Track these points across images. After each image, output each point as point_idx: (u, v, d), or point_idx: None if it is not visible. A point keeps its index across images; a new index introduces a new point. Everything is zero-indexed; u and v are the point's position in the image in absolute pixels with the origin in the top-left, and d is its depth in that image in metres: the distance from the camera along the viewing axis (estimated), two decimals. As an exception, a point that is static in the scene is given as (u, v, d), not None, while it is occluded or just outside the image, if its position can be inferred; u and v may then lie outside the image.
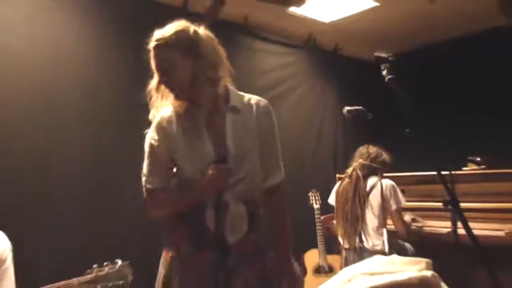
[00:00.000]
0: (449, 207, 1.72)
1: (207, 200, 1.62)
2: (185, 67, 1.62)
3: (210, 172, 1.57)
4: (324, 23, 4.59)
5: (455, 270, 2.68)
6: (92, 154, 3.20)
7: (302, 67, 5.01)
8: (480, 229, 3.12)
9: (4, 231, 1.91)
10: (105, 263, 1.80)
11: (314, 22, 4.54)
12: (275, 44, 4.67)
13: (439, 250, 2.79)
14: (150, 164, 1.71)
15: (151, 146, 1.70)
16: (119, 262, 1.81)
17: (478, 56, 4.63)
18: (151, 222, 3.31)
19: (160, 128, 1.70)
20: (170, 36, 1.62)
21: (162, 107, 1.72)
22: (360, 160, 3.52)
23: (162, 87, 1.69)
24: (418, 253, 3.35)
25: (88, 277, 1.72)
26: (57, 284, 1.70)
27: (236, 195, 1.63)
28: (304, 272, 3.99)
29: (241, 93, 1.77)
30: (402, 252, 3.26)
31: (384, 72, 1.78)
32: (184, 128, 1.68)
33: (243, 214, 1.64)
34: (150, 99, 1.73)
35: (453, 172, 2.07)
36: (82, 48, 3.25)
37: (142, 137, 1.75)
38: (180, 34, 1.63)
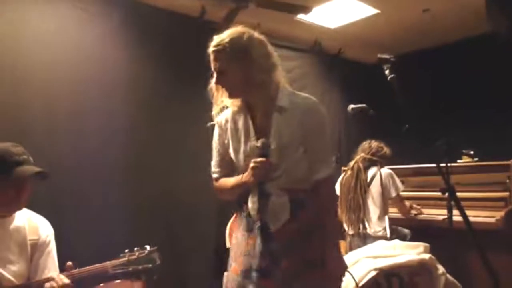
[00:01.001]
0: (446, 194, 1.72)
1: (250, 189, 1.66)
2: (237, 71, 1.65)
3: (252, 165, 1.60)
4: (329, 29, 4.60)
5: (449, 253, 2.70)
6: (130, 145, 3.26)
7: (308, 69, 5.01)
8: (473, 216, 3.12)
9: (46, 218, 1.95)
10: (135, 248, 1.82)
11: (320, 28, 4.55)
12: (284, 49, 4.68)
13: (435, 235, 2.81)
14: (216, 156, 1.82)
15: (214, 141, 1.83)
16: (148, 247, 1.83)
17: (469, 59, 4.62)
18: (178, 212, 3.42)
19: (219, 126, 1.81)
20: (225, 41, 1.64)
21: (221, 103, 1.78)
22: (362, 154, 3.54)
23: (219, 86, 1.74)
24: (416, 238, 3.37)
25: (121, 260, 1.75)
26: (93, 266, 1.73)
27: (278, 186, 1.64)
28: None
29: (292, 91, 1.76)
30: (402, 237, 3.28)
31: (387, 72, 1.81)
32: (236, 126, 1.75)
33: (285, 204, 1.63)
34: (212, 96, 1.78)
35: (449, 164, 2.08)
36: (112, 51, 3.30)
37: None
38: (234, 40, 1.65)
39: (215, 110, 1.79)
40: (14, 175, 1.69)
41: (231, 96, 1.73)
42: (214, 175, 1.82)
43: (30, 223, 1.84)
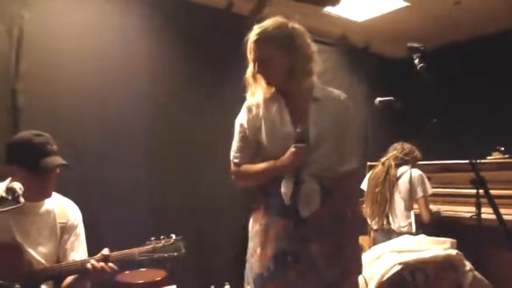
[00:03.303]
0: (475, 191, 1.66)
1: (284, 175, 1.65)
2: (282, 59, 1.67)
3: (292, 149, 1.61)
4: (356, 22, 4.51)
5: (477, 250, 2.62)
6: (156, 134, 3.30)
7: (334, 63, 4.94)
8: (503, 214, 3.01)
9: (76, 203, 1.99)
10: (161, 237, 1.82)
11: (347, 21, 4.47)
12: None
13: (462, 232, 2.73)
14: (239, 141, 1.78)
15: (241, 125, 1.78)
16: (173, 236, 1.83)
17: (501, 52, 4.47)
18: (204, 203, 3.43)
19: (249, 111, 1.77)
20: (270, 31, 1.67)
21: (257, 93, 1.78)
22: (394, 152, 3.54)
23: (257, 75, 1.74)
24: (442, 236, 3.30)
25: (147, 247, 1.75)
26: (121, 251, 1.74)
27: (311, 173, 1.65)
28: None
29: (323, 86, 1.81)
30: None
31: (416, 61, 1.76)
32: (270, 112, 1.73)
33: (316, 192, 1.64)
34: (248, 86, 1.79)
35: (477, 160, 2.01)
36: (137, 44, 3.32)
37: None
38: (279, 28, 1.68)
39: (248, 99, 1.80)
40: (39, 167, 1.70)
41: (270, 84, 1.74)
42: (236, 160, 1.78)
43: (59, 206, 1.87)
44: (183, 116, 3.43)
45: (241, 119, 1.79)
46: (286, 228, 1.64)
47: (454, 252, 2.35)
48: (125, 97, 3.16)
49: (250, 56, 1.73)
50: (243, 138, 1.77)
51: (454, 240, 2.44)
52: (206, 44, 3.54)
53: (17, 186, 1.51)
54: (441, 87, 1.79)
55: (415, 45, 1.76)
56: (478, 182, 1.61)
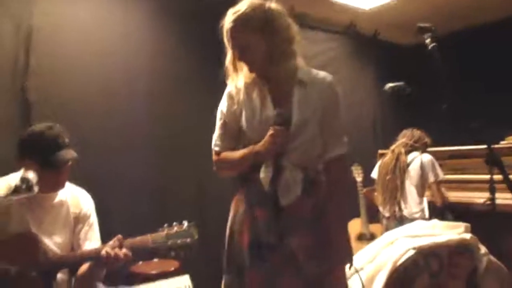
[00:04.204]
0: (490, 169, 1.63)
1: (264, 162, 1.58)
2: (261, 44, 1.59)
3: (270, 132, 1.54)
4: (364, 10, 4.46)
5: (490, 236, 2.59)
6: (162, 127, 3.29)
7: (342, 52, 4.90)
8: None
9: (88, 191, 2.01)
10: (174, 223, 1.82)
11: (355, 9, 4.42)
12: (318, 31, 4.60)
13: (475, 218, 2.70)
14: (219, 129, 1.72)
15: (221, 112, 1.72)
16: (186, 223, 1.82)
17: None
18: (212, 190, 3.43)
19: (229, 97, 1.71)
20: (245, 15, 1.57)
21: (238, 79, 1.71)
22: (404, 139, 3.53)
23: (237, 62, 1.68)
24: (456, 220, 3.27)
25: (161, 234, 1.74)
26: (134, 239, 1.74)
27: (292, 161, 1.57)
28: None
29: (308, 68, 1.71)
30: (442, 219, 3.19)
31: (427, 41, 1.72)
32: (250, 96, 1.66)
33: (298, 180, 1.56)
34: (228, 76, 1.72)
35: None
36: (150, 38, 3.33)
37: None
38: (255, 11, 1.58)
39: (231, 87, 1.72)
40: (51, 162, 1.72)
41: (252, 70, 1.66)
42: (216, 148, 1.71)
43: (72, 196, 1.90)
44: (188, 110, 3.42)
45: (222, 106, 1.73)
46: (263, 218, 1.57)
47: (468, 236, 2.32)
48: (132, 91, 3.16)
49: (227, 43, 1.65)
50: (223, 126, 1.71)
51: (468, 224, 2.41)
52: (210, 40, 3.49)
53: (31, 175, 1.52)
54: (453, 70, 1.77)
55: (426, 24, 1.73)
56: (493, 162, 1.57)
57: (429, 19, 4.55)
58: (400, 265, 2.18)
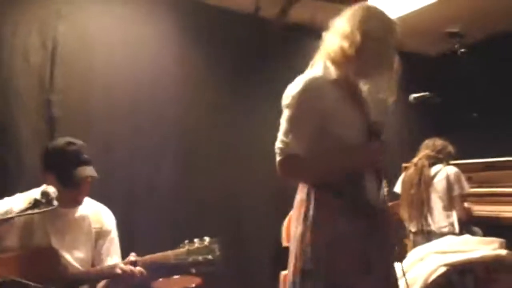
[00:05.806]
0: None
1: (364, 174, 1.48)
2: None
3: (376, 145, 1.50)
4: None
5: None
6: (188, 139, 3.27)
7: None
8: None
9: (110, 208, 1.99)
10: (195, 239, 1.78)
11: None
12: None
13: (508, 233, 2.57)
14: (294, 127, 1.44)
15: (303, 110, 1.44)
16: (207, 238, 1.78)
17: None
18: (237, 208, 3.38)
19: (313, 90, 1.45)
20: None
21: (327, 71, 1.54)
22: (427, 151, 3.40)
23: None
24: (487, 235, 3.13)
25: (182, 250, 1.72)
26: (155, 255, 1.72)
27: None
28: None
29: None
30: (471, 235, 3.05)
31: (456, 46, 1.65)
32: (342, 96, 1.48)
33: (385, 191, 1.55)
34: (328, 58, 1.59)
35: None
36: (174, 50, 3.33)
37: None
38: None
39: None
40: (70, 179, 1.73)
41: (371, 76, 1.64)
42: (294, 151, 1.41)
43: (94, 212, 1.88)
44: (212, 117, 3.40)
45: (307, 101, 1.43)
46: (367, 230, 1.45)
47: (504, 252, 2.20)
48: (156, 103, 3.16)
49: (391, 41, 1.67)
50: (308, 124, 1.44)
51: (503, 240, 2.28)
52: (234, 48, 3.51)
53: (51, 190, 1.51)
54: (482, 77, 1.69)
55: (455, 30, 1.66)
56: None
57: (458, 26, 4.51)
58: (431, 282, 2.08)
